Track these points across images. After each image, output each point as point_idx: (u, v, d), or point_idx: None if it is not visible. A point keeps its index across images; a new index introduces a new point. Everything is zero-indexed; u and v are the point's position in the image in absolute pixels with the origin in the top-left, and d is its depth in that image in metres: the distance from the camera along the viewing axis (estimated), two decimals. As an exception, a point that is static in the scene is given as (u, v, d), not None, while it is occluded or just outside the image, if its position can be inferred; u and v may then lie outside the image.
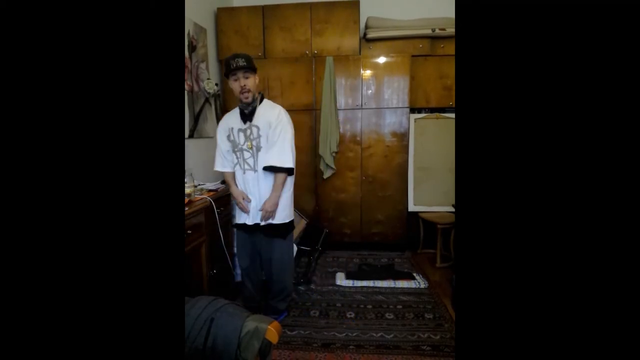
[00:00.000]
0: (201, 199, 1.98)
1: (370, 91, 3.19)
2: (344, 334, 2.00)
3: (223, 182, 2.41)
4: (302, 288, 2.57)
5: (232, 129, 1.95)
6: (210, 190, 2.18)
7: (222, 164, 2.05)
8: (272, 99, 3.21)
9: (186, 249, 1.76)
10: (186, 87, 2.64)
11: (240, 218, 2.04)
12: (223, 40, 3.24)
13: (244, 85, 1.83)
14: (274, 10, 3.18)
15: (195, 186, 2.12)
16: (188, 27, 2.68)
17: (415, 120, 3.31)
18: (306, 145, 3.21)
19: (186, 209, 1.76)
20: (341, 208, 3.32)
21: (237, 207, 2.07)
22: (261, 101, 1.95)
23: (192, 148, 2.71)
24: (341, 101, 3.21)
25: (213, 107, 3.09)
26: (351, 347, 1.88)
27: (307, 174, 3.26)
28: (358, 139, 3.25)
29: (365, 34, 3.27)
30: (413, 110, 3.28)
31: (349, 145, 3.26)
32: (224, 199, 2.28)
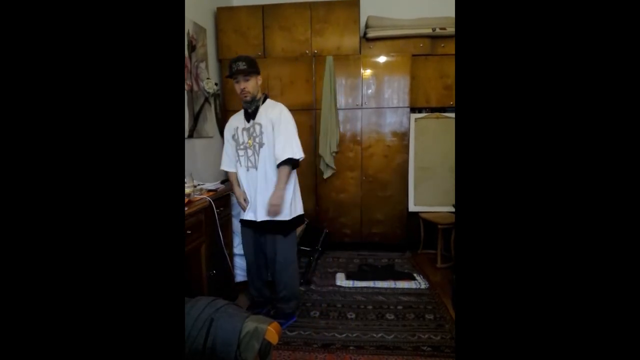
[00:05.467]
0: (201, 199, 1.97)
1: (370, 91, 3.19)
2: (344, 335, 2.00)
3: (223, 182, 2.41)
4: (302, 289, 2.57)
5: (237, 128, 2.04)
6: (209, 190, 2.17)
7: (227, 164, 2.14)
8: (272, 98, 3.20)
9: (186, 249, 1.76)
10: (186, 86, 2.64)
11: (248, 214, 2.07)
12: (223, 39, 3.23)
13: (244, 88, 1.91)
14: (274, 9, 3.17)
15: (195, 186, 2.11)
16: (188, 27, 2.68)
17: (416, 119, 3.31)
18: (306, 145, 3.17)
19: (186, 209, 1.75)
20: (341, 208, 3.32)
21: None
22: (264, 101, 2.02)
23: (191, 148, 2.71)
24: (341, 101, 3.20)
25: (213, 106, 3.08)
26: (351, 347, 1.88)
27: (307, 174, 3.25)
28: (358, 138, 3.25)
29: (365, 34, 3.27)
30: (413, 109, 3.27)
31: (349, 145, 3.26)
32: (224, 199, 2.28)
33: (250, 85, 1.91)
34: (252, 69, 1.90)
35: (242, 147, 2.02)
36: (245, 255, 2.19)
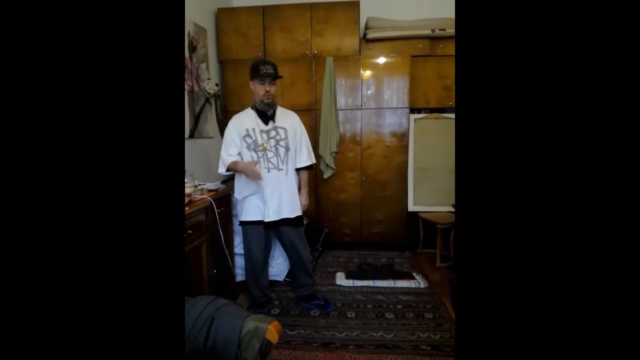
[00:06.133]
0: (201, 198, 1.98)
1: (370, 91, 3.20)
2: (344, 334, 2.01)
3: (223, 182, 2.42)
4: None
5: (253, 129, 2.08)
6: (210, 190, 2.18)
7: (228, 163, 2.10)
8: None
9: (187, 249, 1.77)
10: (187, 87, 2.65)
11: (258, 215, 2.13)
12: (223, 40, 3.24)
13: (269, 90, 2.04)
14: (274, 10, 3.19)
15: (196, 186, 2.13)
16: (188, 28, 2.69)
17: (415, 120, 3.32)
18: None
19: (186, 208, 1.76)
20: (341, 208, 3.33)
21: (246, 206, 2.15)
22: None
23: (192, 148, 2.72)
24: (341, 101, 3.21)
25: (213, 107, 3.10)
26: (351, 346, 1.89)
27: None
28: (358, 139, 3.26)
29: (365, 35, 3.27)
30: (413, 110, 3.28)
31: (349, 145, 3.27)
32: (225, 198, 2.29)
33: (274, 90, 2.07)
34: (278, 74, 2.05)
35: (260, 148, 2.06)
36: (253, 255, 2.20)
